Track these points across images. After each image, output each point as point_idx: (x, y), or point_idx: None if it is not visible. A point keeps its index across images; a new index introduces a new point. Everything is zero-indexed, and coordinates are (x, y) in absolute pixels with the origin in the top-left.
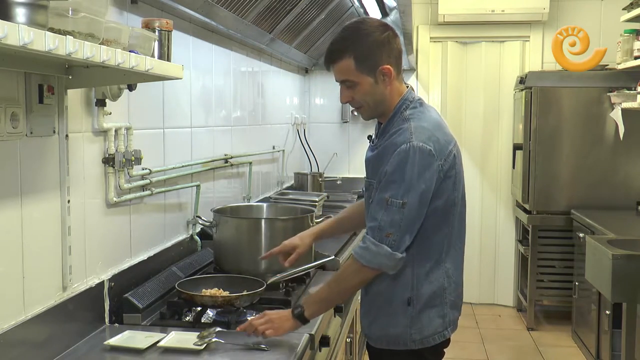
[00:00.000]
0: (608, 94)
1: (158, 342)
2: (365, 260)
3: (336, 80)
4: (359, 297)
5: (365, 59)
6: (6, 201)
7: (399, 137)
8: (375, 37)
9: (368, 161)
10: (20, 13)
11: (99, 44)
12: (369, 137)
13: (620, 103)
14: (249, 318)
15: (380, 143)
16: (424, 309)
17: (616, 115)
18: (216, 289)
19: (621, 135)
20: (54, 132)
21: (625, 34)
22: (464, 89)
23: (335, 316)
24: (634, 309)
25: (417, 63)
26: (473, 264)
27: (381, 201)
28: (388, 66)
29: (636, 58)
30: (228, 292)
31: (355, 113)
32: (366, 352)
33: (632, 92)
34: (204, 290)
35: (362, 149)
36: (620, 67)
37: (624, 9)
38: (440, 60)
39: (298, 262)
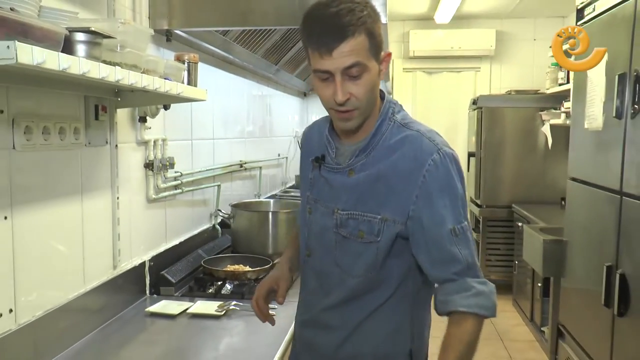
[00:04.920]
0: (540, 112)
1: (187, 309)
2: (488, 309)
3: (334, 69)
4: None
5: (376, 38)
6: (70, 198)
7: (418, 147)
8: (375, 11)
9: (342, 188)
10: (81, 49)
11: (141, 73)
12: (318, 159)
13: (549, 120)
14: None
15: (360, 161)
16: None
17: (546, 129)
18: (236, 265)
19: (550, 145)
20: (107, 142)
21: (552, 67)
22: (430, 108)
23: None
24: (559, 282)
25: (392, 89)
26: None
27: (447, 235)
28: (390, 52)
29: (560, 85)
30: (249, 267)
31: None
32: None
33: (557, 111)
34: (228, 265)
35: None
36: (548, 91)
37: (550, 47)
38: (411, 86)
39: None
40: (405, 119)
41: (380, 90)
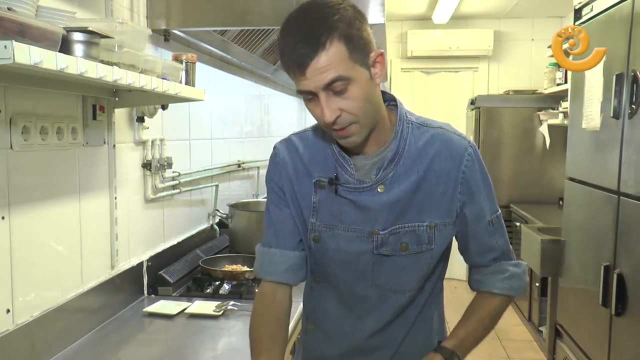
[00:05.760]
0: (537, 112)
1: (185, 309)
2: (519, 290)
3: (314, 88)
4: None
5: (357, 41)
6: (68, 197)
7: (450, 144)
8: (355, 11)
9: (379, 208)
10: (78, 49)
11: (139, 73)
12: (332, 180)
13: (547, 120)
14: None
15: (390, 173)
16: None
17: (544, 129)
18: (234, 265)
19: (547, 145)
20: (104, 142)
21: (550, 67)
22: (428, 108)
23: None
24: (557, 282)
25: (390, 89)
26: None
27: (485, 227)
28: (382, 51)
29: (558, 85)
30: (247, 267)
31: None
32: None
33: (555, 111)
34: (226, 265)
35: None
36: (546, 91)
37: (548, 47)
38: (409, 86)
39: None
40: (418, 117)
41: (384, 93)
